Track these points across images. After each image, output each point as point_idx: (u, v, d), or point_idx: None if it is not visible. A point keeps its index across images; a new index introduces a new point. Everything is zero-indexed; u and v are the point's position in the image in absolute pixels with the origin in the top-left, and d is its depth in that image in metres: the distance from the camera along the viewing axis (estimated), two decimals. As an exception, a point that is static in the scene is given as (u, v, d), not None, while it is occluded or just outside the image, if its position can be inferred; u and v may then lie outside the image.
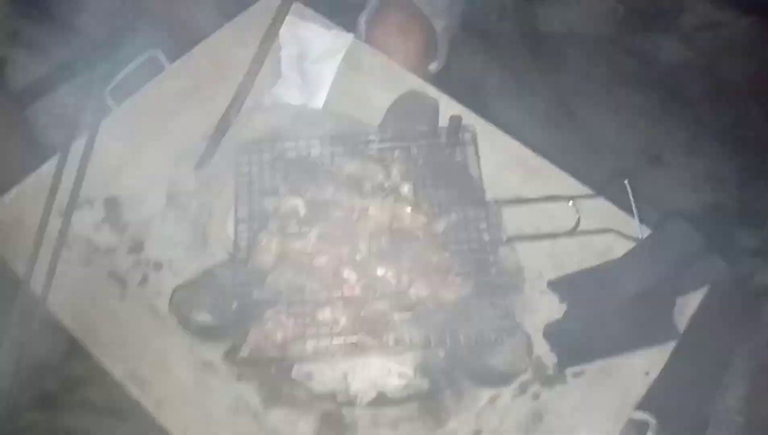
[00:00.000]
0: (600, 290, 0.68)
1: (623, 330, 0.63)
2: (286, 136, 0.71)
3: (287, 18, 0.85)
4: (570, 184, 0.74)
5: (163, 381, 0.63)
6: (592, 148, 1.25)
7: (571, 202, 0.65)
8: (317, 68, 0.86)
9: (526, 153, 0.78)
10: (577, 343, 0.63)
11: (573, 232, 0.66)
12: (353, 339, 0.55)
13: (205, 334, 0.59)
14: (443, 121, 0.74)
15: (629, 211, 0.67)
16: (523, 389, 0.62)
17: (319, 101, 0.85)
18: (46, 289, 0.68)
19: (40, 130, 1.20)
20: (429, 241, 0.60)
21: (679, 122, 1.32)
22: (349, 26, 0.88)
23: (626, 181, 0.63)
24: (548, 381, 0.63)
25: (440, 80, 0.88)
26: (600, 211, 0.70)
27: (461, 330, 0.57)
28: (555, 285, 0.71)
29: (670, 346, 0.64)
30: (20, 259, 0.69)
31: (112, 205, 0.78)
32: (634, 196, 0.63)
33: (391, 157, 0.64)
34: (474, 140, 0.70)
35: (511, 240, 0.64)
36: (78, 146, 0.76)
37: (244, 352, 0.54)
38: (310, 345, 0.58)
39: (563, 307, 0.69)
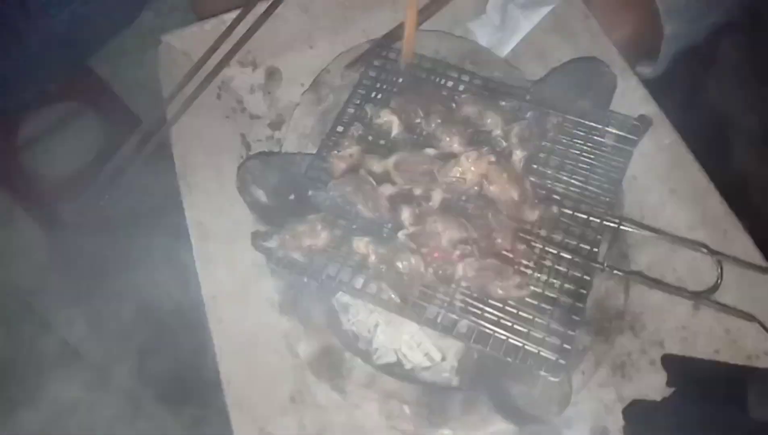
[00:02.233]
0: (727, 402, 0.51)
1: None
2: (441, 64, 0.64)
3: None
4: (743, 246, 0.55)
5: (222, 244, 0.64)
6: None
7: (705, 251, 0.48)
8: (520, 15, 0.77)
9: (711, 195, 0.60)
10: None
11: (704, 296, 0.49)
12: (393, 294, 0.48)
13: (258, 211, 0.58)
14: (619, 107, 0.61)
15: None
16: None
17: (505, 49, 0.76)
18: (177, 117, 0.72)
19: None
20: (510, 223, 0.49)
21: None
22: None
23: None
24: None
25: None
26: (760, 288, 0.52)
27: (502, 335, 0.46)
28: (673, 364, 0.56)
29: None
30: (168, 86, 0.74)
31: (273, 75, 0.80)
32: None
33: (522, 117, 0.53)
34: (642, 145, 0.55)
35: (612, 269, 0.49)
36: (262, 6, 0.79)
37: (270, 243, 0.51)
38: (345, 274, 0.52)
39: (667, 392, 0.54)
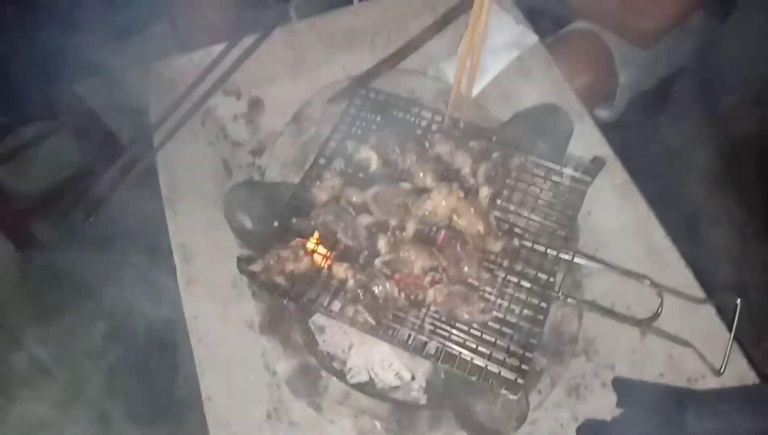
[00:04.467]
0: (669, 420, 0.56)
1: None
2: (414, 102, 0.69)
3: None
4: (683, 278, 0.61)
5: (204, 266, 0.67)
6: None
7: (647, 282, 0.54)
8: (489, 59, 0.83)
9: (656, 230, 0.66)
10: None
11: (645, 324, 0.54)
12: (369, 317, 0.52)
13: (242, 236, 0.61)
14: (576, 148, 0.67)
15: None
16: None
17: (473, 90, 0.82)
18: (163, 143, 0.76)
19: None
20: (476, 253, 0.54)
21: None
22: (538, 31, 0.82)
23: (739, 301, 0.49)
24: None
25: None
26: (698, 317, 0.57)
27: (467, 356, 0.51)
28: (622, 386, 0.61)
29: None
30: (156, 112, 0.77)
31: (256, 105, 0.84)
32: (738, 322, 0.49)
33: (488, 157, 0.59)
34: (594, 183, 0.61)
35: (567, 297, 0.55)
36: (248, 41, 0.83)
37: (255, 267, 0.55)
38: (324, 298, 0.56)
39: (617, 411, 0.59)
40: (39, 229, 1.30)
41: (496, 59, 0.82)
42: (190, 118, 0.78)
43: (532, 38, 0.82)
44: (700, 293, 0.60)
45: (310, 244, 0.56)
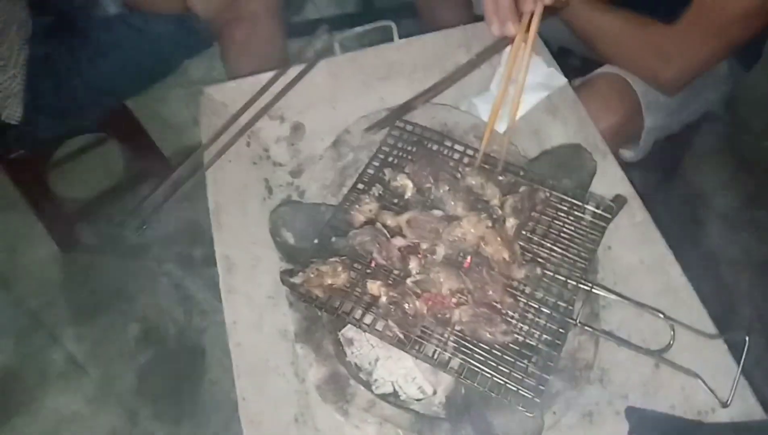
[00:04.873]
0: None
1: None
2: (447, 136, 0.74)
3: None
4: (696, 314, 0.64)
5: (243, 277, 0.72)
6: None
7: (662, 316, 0.57)
8: (522, 96, 0.87)
9: (673, 267, 0.70)
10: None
11: (657, 355, 0.58)
12: (398, 332, 0.57)
13: (285, 251, 0.67)
14: (599, 185, 0.71)
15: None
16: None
17: (503, 126, 0.86)
18: (212, 161, 0.82)
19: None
20: (500, 279, 0.58)
21: None
22: (567, 72, 0.87)
23: (747, 337, 0.53)
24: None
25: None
26: (709, 351, 0.61)
27: (488, 374, 0.55)
28: (634, 415, 0.64)
29: None
30: (206, 132, 0.83)
31: (297, 129, 0.90)
32: (747, 358, 0.53)
33: (516, 190, 0.63)
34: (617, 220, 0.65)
35: (584, 326, 0.58)
36: (294, 72, 0.89)
37: (297, 279, 0.60)
38: (357, 312, 0.61)
39: (626, 439, 0.62)
40: (83, 233, 1.38)
41: (527, 98, 0.87)
42: (237, 140, 0.84)
43: (561, 80, 0.86)
44: (712, 329, 0.63)
45: (347, 262, 0.61)
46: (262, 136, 0.89)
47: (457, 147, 0.72)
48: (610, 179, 0.76)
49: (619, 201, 0.70)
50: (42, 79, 0.99)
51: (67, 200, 1.33)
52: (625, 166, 0.83)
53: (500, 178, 0.65)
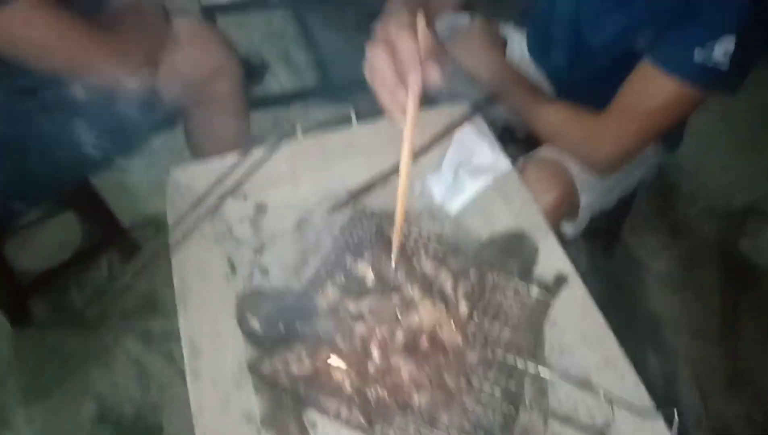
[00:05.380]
0: None
1: None
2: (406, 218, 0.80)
3: (464, 124, 0.96)
4: (633, 388, 0.70)
5: (209, 360, 0.74)
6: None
7: (602, 392, 0.63)
8: (469, 179, 0.95)
9: (611, 341, 0.76)
10: None
11: (598, 431, 0.63)
12: (362, 418, 0.60)
13: (251, 338, 0.69)
14: (543, 269, 0.77)
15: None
16: None
17: (454, 206, 0.93)
18: (180, 242, 0.85)
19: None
20: (456, 362, 0.63)
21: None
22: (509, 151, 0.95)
23: (676, 414, 0.58)
24: None
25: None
26: (647, 427, 0.66)
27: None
28: None
29: None
30: (174, 214, 0.86)
31: (260, 208, 0.94)
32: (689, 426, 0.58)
33: (467, 274, 0.69)
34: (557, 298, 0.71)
35: (533, 404, 0.63)
36: (258, 153, 0.94)
37: (264, 369, 0.62)
38: (321, 397, 0.64)
39: None
40: (36, 306, 1.35)
41: (475, 181, 0.94)
42: (202, 221, 0.87)
43: (506, 165, 0.94)
44: (648, 402, 0.68)
45: (311, 348, 0.65)
46: (225, 215, 0.92)
47: (413, 228, 0.78)
48: (551, 257, 0.82)
49: (559, 280, 0.76)
50: (2, 156, 1.00)
51: (20, 273, 1.31)
52: (565, 240, 0.90)
53: (450, 261, 0.70)
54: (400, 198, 0.60)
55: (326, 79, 1.82)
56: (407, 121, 0.56)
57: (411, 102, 0.56)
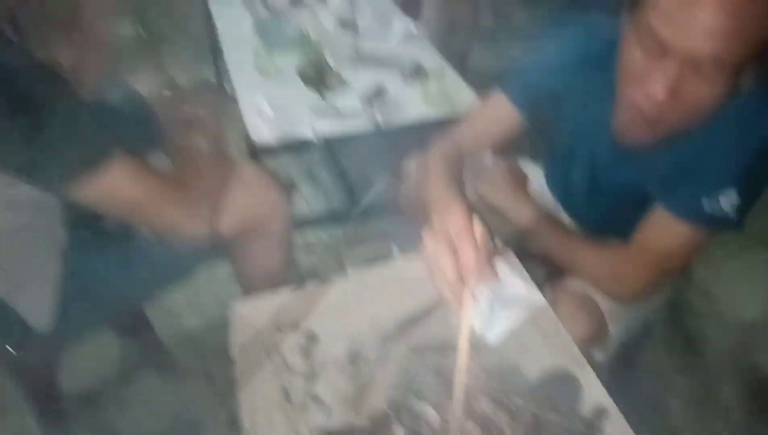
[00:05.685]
0: None
1: None
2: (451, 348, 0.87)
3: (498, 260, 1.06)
4: None
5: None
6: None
7: None
8: (504, 310, 1.03)
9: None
10: None
11: None
12: None
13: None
14: (584, 403, 0.84)
15: None
16: None
17: (494, 338, 1.00)
18: (240, 381, 0.91)
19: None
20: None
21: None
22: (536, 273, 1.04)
23: None
24: None
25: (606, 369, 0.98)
26: None
27: None
28: None
29: None
30: (236, 349, 0.94)
31: (311, 337, 1.01)
32: None
33: (523, 415, 0.76)
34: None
35: None
36: (311, 287, 1.03)
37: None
38: None
39: None
40: (76, 423, 1.37)
41: (511, 313, 1.02)
42: (262, 355, 0.94)
43: (540, 298, 1.03)
44: None
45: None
46: (280, 347, 0.99)
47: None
48: (591, 391, 0.89)
49: (601, 413, 0.83)
50: (74, 290, 1.08)
51: (66, 396, 1.34)
52: (597, 366, 0.97)
53: (506, 403, 0.77)
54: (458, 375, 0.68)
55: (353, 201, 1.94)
56: (463, 310, 0.66)
57: (468, 298, 0.65)
